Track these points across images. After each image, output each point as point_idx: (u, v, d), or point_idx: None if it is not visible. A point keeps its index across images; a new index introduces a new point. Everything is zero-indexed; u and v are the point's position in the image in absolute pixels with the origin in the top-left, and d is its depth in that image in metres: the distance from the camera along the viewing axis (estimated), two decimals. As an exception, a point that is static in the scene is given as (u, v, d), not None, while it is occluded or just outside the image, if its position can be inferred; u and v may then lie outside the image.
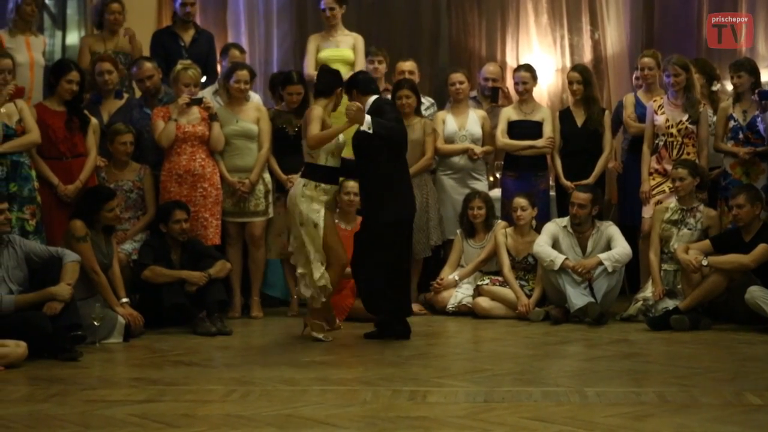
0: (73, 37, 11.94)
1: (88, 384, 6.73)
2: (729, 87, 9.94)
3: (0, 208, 7.47)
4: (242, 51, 10.35)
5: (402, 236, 8.30)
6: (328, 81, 8.40)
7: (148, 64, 9.37)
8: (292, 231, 8.31)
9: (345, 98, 8.49)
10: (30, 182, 8.16)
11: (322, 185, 8.08)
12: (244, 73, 9.42)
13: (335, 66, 9.89)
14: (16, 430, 5.58)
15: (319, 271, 8.06)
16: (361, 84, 8.36)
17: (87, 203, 8.31)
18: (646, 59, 9.77)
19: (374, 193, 8.22)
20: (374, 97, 8.24)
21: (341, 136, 8.20)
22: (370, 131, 7.83)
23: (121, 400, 6.08)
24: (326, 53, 10.03)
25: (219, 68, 10.31)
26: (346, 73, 9.91)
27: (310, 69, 9.92)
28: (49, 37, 11.14)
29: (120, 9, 9.87)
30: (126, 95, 9.59)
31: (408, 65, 10.24)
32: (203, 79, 9.63)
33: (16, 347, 7.23)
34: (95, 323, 7.71)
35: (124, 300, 8.32)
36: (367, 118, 7.81)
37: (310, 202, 7.99)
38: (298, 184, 8.18)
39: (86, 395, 6.32)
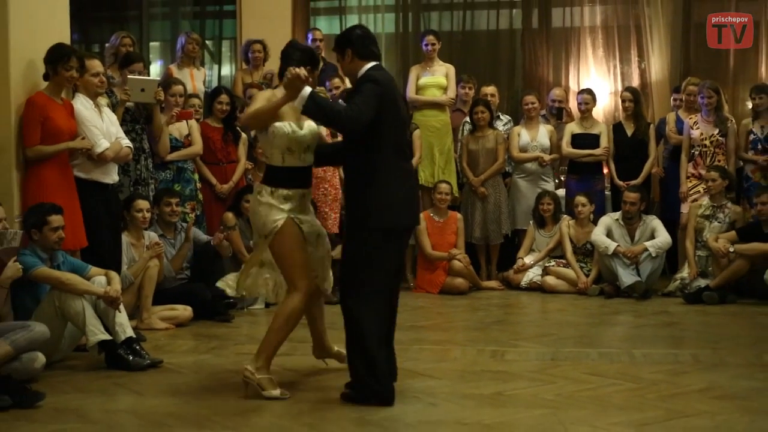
0: (226, 70, 12.23)
1: (239, 340, 6.91)
2: (749, 106, 9.90)
3: (169, 201, 7.77)
4: None
5: (393, 251, 5.21)
6: (294, 57, 5.32)
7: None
8: (258, 248, 5.57)
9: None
10: (191, 183, 8.33)
11: (280, 190, 5.27)
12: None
13: (431, 90, 9.99)
14: (185, 375, 5.81)
15: (248, 277, 5.73)
16: (357, 42, 5.25)
17: (235, 198, 8.55)
18: (691, 87, 9.70)
19: (359, 191, 5.17)
20: (372, 63, 5.23)
21: (303, 128, 5.28)
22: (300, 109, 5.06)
23: (264, 354, 6.24)
24: (425, 80, 10.00)
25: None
26: (439, 96, 10.01)
27: (411, 93, 9.91)
28: (208, 69, 11.38)
29: (260, 48, 10.03)
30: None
31: (490, 89, 10.28)
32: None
33: (184, 311, 7.47)
34: (243, 293, 7.87)
35: (266, 275, 8.45)
36: (305, 91, 4.94)
37: (269, 209, 5.26)
38: (255, 190, 5.52)
39: (237, 349, 6.47)
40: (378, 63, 5.33)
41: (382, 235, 5.07)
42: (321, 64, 5.57)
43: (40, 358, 5.69)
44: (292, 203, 5.31)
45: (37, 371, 5.65)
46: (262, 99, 5.31)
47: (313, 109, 4.99)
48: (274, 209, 5.26)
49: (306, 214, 5.44)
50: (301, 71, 4.96)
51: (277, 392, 5.14)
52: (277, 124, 5.19)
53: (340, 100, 5.35)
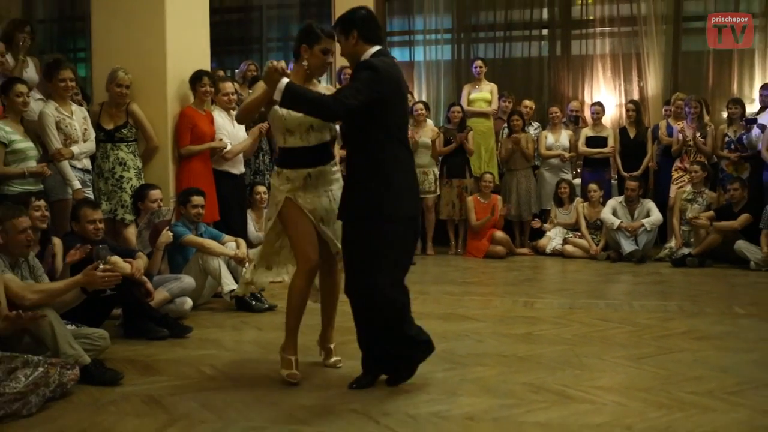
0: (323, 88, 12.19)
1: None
2: (723, 115, 9.72)
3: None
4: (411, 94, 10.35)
5: (408, 236, 4.03)
6: (296, 40, 4.18)
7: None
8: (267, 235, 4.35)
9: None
10: None
11: (284, 171, 4.14)
12: (419, 106, 9.48)
13: (479, 103, 9.94)
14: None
15: (251, 274, 4.42)
16: (362, 24, 3.95)
17: None
18: (678, 101, 9.56)
19: (367, 180, 3.88)
20: (376, 48, 3.94)
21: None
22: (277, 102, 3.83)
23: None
24: (474, 95, 9.95)
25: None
26: (485, 108, 9.98)
27: (464, 105, 9.90)
28: (310, 87, 11.40)
29: (350, 72, 9.97)
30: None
31: (528, 102, 10.27)
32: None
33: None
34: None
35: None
36: (282, 83, 3.73)
37: (275, 192, 4.19)
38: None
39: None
40: (381, 48, 3.99)
41: (400, 222, 3.91)
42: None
43: (189, 301, 5.84)
44: (294, 183, 4.12)
45: (187, 311, 5.81)
46: (258, 89, 4.08)
47: (290, 99, 3.74)
48: (276, 192, 4.17)
49: (310, 193, 4.16)
50: (279, 64, 3.77)
51: (285, 373, 4.14)
52: (274, 107, 4.03)
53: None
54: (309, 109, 3.83)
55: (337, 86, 10.00)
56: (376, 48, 3.95)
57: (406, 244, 4.01)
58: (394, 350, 4.03)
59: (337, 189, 4.23)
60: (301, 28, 4.21)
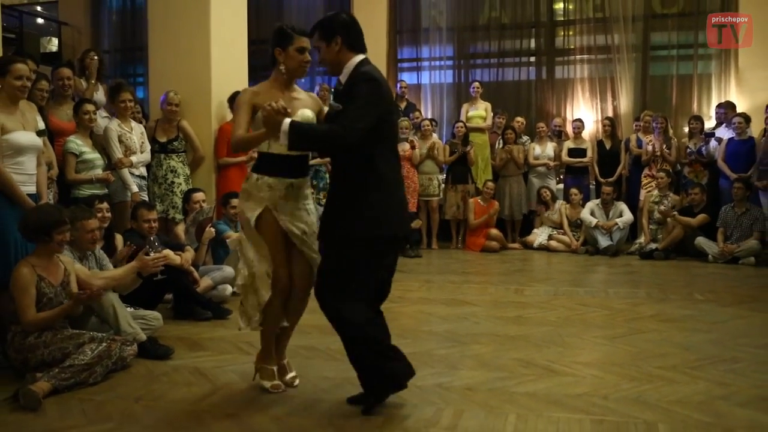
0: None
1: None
2: (685, 130, 9.65)
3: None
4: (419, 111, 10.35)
5: (379, 256, 3.11)
6: (270, 46, 3.40)
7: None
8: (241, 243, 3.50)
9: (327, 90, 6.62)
10: (324, 179, 8.22)
11: (266, 178, 3.33)
12: (426, 122, 9.47)
13: (475, 120, 9.89)
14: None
15: (266, 288, 3.42)
16: (348, 30, 3.07)
17: None
18: (647, 117, 9.51)
19: (346, 198, 3.06)
20: (361, 57, 3.08)
21: (304, 112, 3.35)
22: (284, 145, 2.97)
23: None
24: (472, 113, 9.92)
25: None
26: (481, 124, 9.94)
27: (463, 119, 9.91)
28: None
29: None
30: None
31: (520, 119, 10.26)
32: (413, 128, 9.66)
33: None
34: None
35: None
36: (285, 123, 2.95)
37: (247, 199, 3.36)
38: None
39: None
40: (366, 56, 3.12)
41: (382, 243, 3.10)
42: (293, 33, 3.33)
43: (229, 288, 5.83)
44: (275, 192, 3.34)
45: (227, 297, 5.79)
46: (243, 102, 3.34)
47: (298, 140, 2.94)
48: (253, 199, 3.34)
49: (289, 206, 3.38)
50: (278, 104, 2.97)
51: (268, 385, 3.55)
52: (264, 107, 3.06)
53: (331, 99, 3.40)
54: (321, 145, 3.05)
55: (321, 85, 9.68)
56: (361, 56, 3.08)
57: (377, 265, 3.11)
58: (365, 378, 3.25)
59: (310, 203, 3.49)
60: (273, 31, 3.37)
